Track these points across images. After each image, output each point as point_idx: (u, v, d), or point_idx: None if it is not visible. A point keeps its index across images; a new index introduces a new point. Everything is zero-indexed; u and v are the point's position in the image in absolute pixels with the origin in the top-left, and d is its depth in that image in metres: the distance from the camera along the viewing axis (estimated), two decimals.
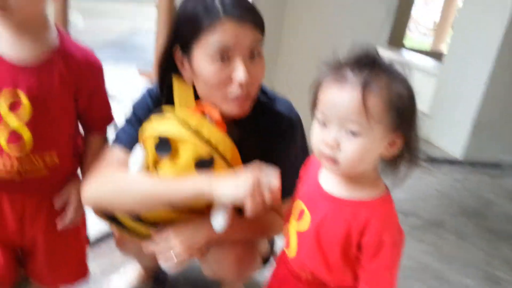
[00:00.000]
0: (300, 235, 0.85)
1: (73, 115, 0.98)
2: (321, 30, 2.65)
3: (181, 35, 0.95)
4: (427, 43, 10.91)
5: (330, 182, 0.83)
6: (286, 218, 0.93)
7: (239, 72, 0.91)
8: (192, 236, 0.99)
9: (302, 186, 0.91)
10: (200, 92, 0.99)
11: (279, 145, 1.07)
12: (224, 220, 0.92)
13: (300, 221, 0.85)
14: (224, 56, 0.90)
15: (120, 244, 1.21)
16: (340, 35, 2.73)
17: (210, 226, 0.93)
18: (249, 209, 0.85)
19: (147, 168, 0.95)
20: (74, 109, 0.97)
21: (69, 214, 1.01)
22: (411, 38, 10.10)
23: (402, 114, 0.72)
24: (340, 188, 0.81)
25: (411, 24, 10.46)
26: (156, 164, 0.95)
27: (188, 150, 0.91)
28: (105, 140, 1.07)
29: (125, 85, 3.86)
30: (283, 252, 0.93)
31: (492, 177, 2.86)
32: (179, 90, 1.00)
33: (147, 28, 6.70)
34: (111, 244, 1.53)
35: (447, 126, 3.52)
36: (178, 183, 0.91)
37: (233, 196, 0.85)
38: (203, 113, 0.95)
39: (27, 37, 0.87)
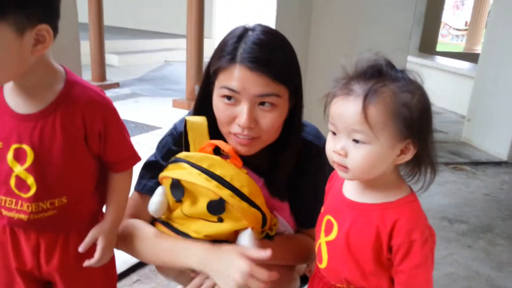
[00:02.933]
0: (329, 244, 0.86)
1: (87, 158, 0.94)
2: (349, 43, 2.66)
3: (212, 65, 1.00)
4: (461, 45, 10.63)
5: (353, 190, 0.85)
6: (316, 235, 0.94)
7: (241, 116, 0.95)
8: (226, 272, 0.96)
9: (328, 200, 0.93)
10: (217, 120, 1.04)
11: (308, 172, 1.10)
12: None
13: (328, 233, 0.86)
14: (232, 97, 0.95)
15: (160, 268, 1.25)
16: (369, 46, 2.73)
17: (247, 260, 0.94)
18: None
19: (167, 209, 1.02)
20: (88, 152, 0.93)
21: (97, 256, 0.97)
22: (444, 43, 9.88)
23: (410, 122, 0.73)
24: (363, 195, 0.82)
25: (443, 28, 10.24)
26: (174, 206, 1.01)
27: (201, 194, 0.95)
28: (129, 177, 1.02)
29: (162, 117, 4.02)
30: (317, 268, 0.93)
31: None
32: (193, 129, 1.02)
33: (178, 60, 6.96)
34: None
35: (489, 127, 3.40)
36: (176, 252, 1.00)
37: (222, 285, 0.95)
38: (216, 150, 0.99)
39: (29, 89, 0.86)
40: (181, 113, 4.06)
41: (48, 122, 0.86)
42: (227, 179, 0.94)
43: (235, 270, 0.93)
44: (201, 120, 1.03)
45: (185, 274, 1.11)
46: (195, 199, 0.97)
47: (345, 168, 0.77)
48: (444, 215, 2.28)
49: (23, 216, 0.90)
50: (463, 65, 5.10)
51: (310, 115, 1.15)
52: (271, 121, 0.98)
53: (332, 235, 0.85)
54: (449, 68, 5.00)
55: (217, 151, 1.02)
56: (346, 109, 0.75)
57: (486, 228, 2.24)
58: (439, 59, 5.63)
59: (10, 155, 0.87)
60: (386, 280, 0.82)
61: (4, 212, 0.91)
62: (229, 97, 0.96)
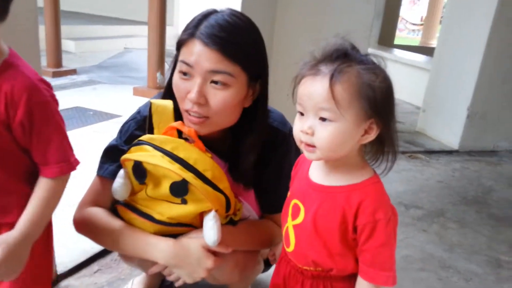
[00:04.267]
0: (296, 228, 0.88)
1: (10, 148, 0.85)
2: (312, 33, 2.70)
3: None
4: (416, 39, 11.00)
5: (319, 174, 0.87)
6: (282, 219, 0.95)
7: (192, 92, 0.96)
8: (192, 269, 1.02)
9: (294, 185, 0.94)
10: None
11: (274, 158, 1.11)
12: (217, 233, 0.95)
13: (295, 217, 0.88)
14: (187, 72, 0.97)
15: (124, 257, 1.23)
16: (332, 35, 2.78)
17: (209, 254, 1.00)
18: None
19: (129, 191, 1.01)
20: (11, 141, 0.84)
21: None
22: (401, 37, 10.19)
23: (373, 102, 0.76)
24: (329, 177, 0.85)
25: (400, 22, 10.54)
26: (137, 188, 1.00)
27: (164, 175, 0.95)
28: (53, 187, 0.88)
29: (122, 105, 3.90)
30: (284, 251, 0.95)
31: (489, 164, 2.89)
32: (157, 112, 1.03)
33: (138, 47, 6.78)
34: (116, 256, 1.56)
35: (442, 118, 3.56)
36: (142, 247, 1.02)
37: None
38: (180, 134, 0.99)
39: None
40: (142, 101, 3.98)
41: None
42: (191, 162, 0.95)
43: (202, 268, 1.01)
44: (167, 103, 1.02)
45: (148, 261, 1.10)
46: (158, 181, 0.97)
47: (312, 147, 0.78)
48: (401, 201, 2.38)
49: None
50: (419, 58, 5.30)
51: (273, 101, 1.16)
52: (221, 100, 0.97)
53: (299, 219, 0.87)
54: (406, 60, 5.17)
55: (181, 135, 1.01)
56: (314, 88, 0.77)
57: (439, 213, 2.35)
58: (397, 52, 5.82)
59: None
60: (352, 259, 0.85)
61: None
62: (185, 73, 0.97)
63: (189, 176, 0.93)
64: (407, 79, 4.66)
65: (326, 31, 2.69)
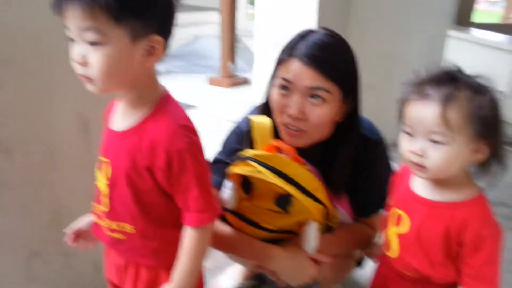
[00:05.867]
0: (401, 237, 0.95)
1: (152, 191, 0.85)
2: (387, 19, 2.68)
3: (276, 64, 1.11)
4: (497, 13, 10.18)
5: (423, 188, 0.92)
6: (383, 225, 1.02)
7: (291, 107, 1.05)
8: (297, 276, 1.15)
9: (396, 195, 1.00)
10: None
11: (364, 164, 1.18)
12: (315, 242, 1.06)
13: (399, 226, 0.95)
14: (287, 87, 1.06)
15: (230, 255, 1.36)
16: (406, 22, 2.73)
17: (312, 263, 1.11)
18: None
19: (238, 201, 1.11)
20: (154, 188, 0.85)
21: None
22: (479, 10, 9.46)
23: (484, 124, 0.80)
24: (435, 192, 0.90)
25: None
26: (243, 200, 1.10)
27: (268, 189, 1.05)
28: (197, 236, 0.86)
29: (198, 95, 4.08)
30: (384, 254, 1.03)
31: None
32: (257, 129, 1.10)
33: (207, 34, 6.96)
34: None
35: None
36: (254, 252, 1.13)
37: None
38: (279, 150, 1.06)
39: (128, 108, 0.85)
40: (217, 91, 4.16)
41: (124, 145, 0.83)
42: (292, 176, 1.03)
43: (306, 274, 1.13)
44: (265, 120, 1.10)
45: (249, 262, 1.24)
46: (264, 194, 1.07)
47: (422, 167, 0.84)
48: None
49: (103, 228, 0.92)
50: (501, 38, 4.95)
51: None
52: (319, 114, 1.06)
53: (404, 229, 0.93)
54: (487, 41, 4.86)
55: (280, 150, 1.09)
56: (425, 113, 0.82)
57: None
58: (475, 32, 5.46)
59: (98, 168, 0.90)
60: (453, 270, 0.90)
61: (94, 218, 0.95)
62: (284, 87, 1.06)
63: (292, 190, 1.02)
64: (488, 62, 4.39)
65: (401, 19, 2.65)
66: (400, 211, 0.95)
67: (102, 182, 0.88)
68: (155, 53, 0.77)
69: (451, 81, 0.82)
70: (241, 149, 1.13)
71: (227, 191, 1.12)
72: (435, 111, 0.80)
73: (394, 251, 0.96)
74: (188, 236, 0.86)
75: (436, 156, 0.82)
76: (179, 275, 0.87)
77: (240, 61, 4.74)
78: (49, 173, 1.21)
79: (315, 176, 1.07)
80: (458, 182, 0.88)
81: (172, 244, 0.88)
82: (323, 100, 1.05)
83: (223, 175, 1.14)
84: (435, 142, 0.82)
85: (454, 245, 0.87)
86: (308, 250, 1.08)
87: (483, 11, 10.65)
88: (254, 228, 1.12)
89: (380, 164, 1.20)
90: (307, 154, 1.12)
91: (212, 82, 4.39)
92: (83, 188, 1.26)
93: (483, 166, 0.87)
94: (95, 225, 0.96)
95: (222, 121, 3.59)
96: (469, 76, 0.84)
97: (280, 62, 1.09)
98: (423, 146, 0.83)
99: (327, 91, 1.04)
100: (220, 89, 4.29)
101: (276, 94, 1.09)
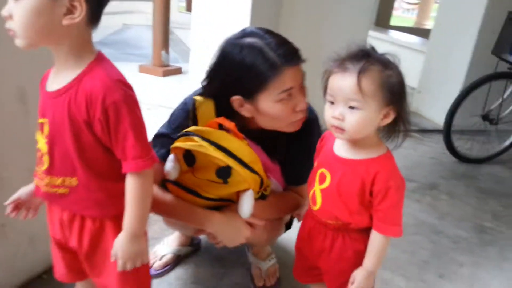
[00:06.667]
0: (323, 191, 1.08)
1: (93, 145, 0.89)
2: (312, 17, 2.87)
3: (243, 88, 1.14)
4: (411, 19, 11.04)
5: (342, 149, 1.06)
6: (309, 184, 1.16)
7: (301, 103, 1.15)
8: (234, 238, 1.26)
9: (320, 157, 1.14)
10: (263, 123, 1.21)
11: (299, 141, 1.30)
12: (249, 207, 1.17)
13: (323, 183, 1.09)
14: (287, 95, 1.13)
15: (168, 222, 1.45)
16: (330, 21, 2.96)
17: (247, 226, 1.22)
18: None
19: (179, 173, 1.18)
20: (94, 140, 0.89)
21: (119, 266, 0.95)
22: (396, 16, 10.23)
23: (392, 92, 0.96)
24: (351, 153, 1.04)
25: (395, 1, 10.55)
26: (186, 171, 1.18)
27: (210, 161, 1.12)
28: (138, 180, 0.91)
29: (129, 81, 4.03)
30: (310, 210, 1.16)
31: (479, 142, 3.12)
32: (201, 109, 1.20)
33: (137, 23, 6.83)
34: (150, 219, 1.77)
35: (436, 98, 3.75)
36: (194, 216, 1.20)
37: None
38: (220, 126, 1.15)
39: (62, 68, 0.88)
40: (148, 78, 4.19)
41: (61, 103, 0.87)
42: (232, 150, 1.12)
43: (241, 236, 1.24)
44: (208, 101, 1.19)
45: (189, 227, 1.33)
46: (205, 166, 1.15)
47: (342, 130, 0.98)
48: None
49: (42, 187, 0.95)
50: (415, 40, 5.47)
51: None
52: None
53: (325, 184, 1.06)
54: (403, 42, 5.34)
55: (221, 127, 1.18)
56: (344, 83, 0.95)
57: (431, 186, 2.60)
58: (394, 34, 5.97)
59: (38, 130, 0.93)
60: (367, 217, 1.05)
61: (35, 181, 0.99)
62: (286, 97, 1.13)
63: (231, 162, 1.11)
64: (403, 60, 4.81)
65: (326, 18, 2.86)
66: (323, 170, 1.08)
67: (41, 142, 0.92)
68: (74, 12, 0.80)
69: (365, 57, 0.97)
70: (186, 125, 1.20)
71: (170, 163, 1.18)
72: (352, 82, 0.94)
73: (318, 204, 1.10)
74: (130, 183, 0.90)
75: (353, 120, 0.96)
76: (128, 222, 0.92)
77: (172, 52, 4.74)
78: None
79: (252, 150, 1.17)
80: (370, 142, 1.03)
81: (116, 196, 0.93)
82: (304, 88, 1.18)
83: (167, 149, 1.20)
84: (352, 108, 0.96)
85: (367, 195, 1.02)
86: (243, 216, 1.18)
87: (399, 17, 11.48)
88: (194, 196, 1.20)
89: (312, 139, 1.30)
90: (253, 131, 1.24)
91: (143, 70, 4.33)
92: (22, 158, 1.26)
93: (390, 128, 1.03)
94: (36, 188, 0.99)
95: (154, 108, 3.59)
96: (380, 54, 1.00)
97: (266, 83, 1.13)
98: (342, 112, 0.97)
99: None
100: (152, 77, 4.26)
101: (280, 106, 1.16)
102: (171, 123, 1.29)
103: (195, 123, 1.22)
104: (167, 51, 4.40)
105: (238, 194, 1.19)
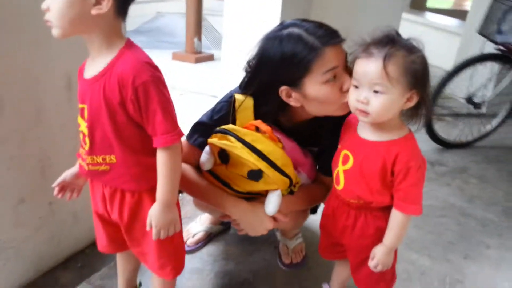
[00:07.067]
0: (346, 172, 1.14)
1: (128, 125, 0.97)
2: (350, 4, 2.87)
3: (287, 77, 1.15)
4: (449, 1, 10.63)
5: (366, 132, 1.11)
6: (332, 165, 1.21)
7: (347, 82, 1.12)
8: (256, 228, 1.30)
9: (344, 139, 1.19)
10: (314, 110, 1.21)
11: (332, 133, 1.30)
12: (275, 207, 1.21)
13: (346, 164, 1.14)
14: (333, 75, 1.12)
15: (197, 204, 1.52)
16: (363, 5, 2.94)
17: (270, 219, 1.27)
18: None
19: (213, 165, 1.24)
20: (129, 122, 0.97)
21: (153, 235, 1.04)
22: None
23: (415, 77, 0.98)
24: (374, 135, 1.09)
25: None
26: (219, 165, 1.23)
27: (242, 163, 1.17)
28: (169, 155, 0.99)
29: (162, 69, 4.15)
30: (334, 189, 1.22)
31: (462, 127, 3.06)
32: (240, 107, 1.23)
33: (170, 11, 6.93)
34: (183, 200, 1.88)
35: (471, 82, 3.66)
36: (223, 201, 1.26)
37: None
38: (257, 129, 1.18)
39: (96, 56, 0.97)
40: (181, 65, 4.29)
41: (97, 87, 0.95)
42: (265, 153, 1.15)
43: (263, 227, 1.28)
44: (248, 100, 1.23)
45: (217, 211, 1.40)
46: (238, 165, 1.20)
47: (366, 113, 1.01)
48: (427, 159, 2.59)
49: (85, 166, 1.05)
50: (452, 22, 5.31)
51: None
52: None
53: (349, 165, 1.12)
54: (438, 25, 5.20)
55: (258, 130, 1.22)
56: (369, 67, 0.98)
57: (461, 170, 2.58)
58: (429, 16, 5.81)
59: (79, 114, 1.02)
60: (388, 196, 1.10)
61: (79, 161, 1.09)
62: (332, 78, 1.12)
63: (263, 166, 1.14)
64: (439, 43, 4.72)
65: (361, 6, 2.84)
66: (346, 151, 1.14)
67: (83, 125, 1.01)
68: (102, 3, 0.88)
69: (390, 42, 1.00)
70: (228, 118, 1.25)
71: (205, 155, 1.25)
72: (377, 67, 0.97)
73: (341, 183, 1.15)
74: (160, 157, 0.98)
75: (377, 104, 1.00)
76: (160, 193, 1.00)
77: (204, 39, 4.82)
78: (35, 127, 1.31)
79: (285, 154, 1.20)
80: (393, 125, 1.06)
81: (150, 169, 1.01)
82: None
83: (206, 138, 1.23)
84: (376, 92, 0.99)
85: (389, 175, 1.06)
86: (268, 213, 1.23)
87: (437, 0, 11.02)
88: (225, 187, 1.26)
89: (340, 127, 1.30)
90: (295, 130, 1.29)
91: (176, 57, 4.44)
92: (66, 141, 1.38)
93: (413, 112, 1.06)
94: (81, 168, 1.10)
95: (186, 93, 3.69)
96: (404, 39, 1.02)
97: (310, 65, 1.12)
98: (367, 96, 1.00)
99: None
100: (185, 64, 4.37)
101: (327, 88, 1.15)
102: (214, 114, 1.30)
103: (233, 121, 1.25)
104: (199, 38, 4.48)
105: (267, 190, 1.25)
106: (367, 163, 1.09)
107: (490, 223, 2.04)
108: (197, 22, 4.40)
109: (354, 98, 1.03)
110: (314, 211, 1.57)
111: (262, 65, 1.18)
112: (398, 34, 1.02)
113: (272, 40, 1.15)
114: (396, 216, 1.09)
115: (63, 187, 1.15)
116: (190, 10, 4.38)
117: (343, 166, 1.14)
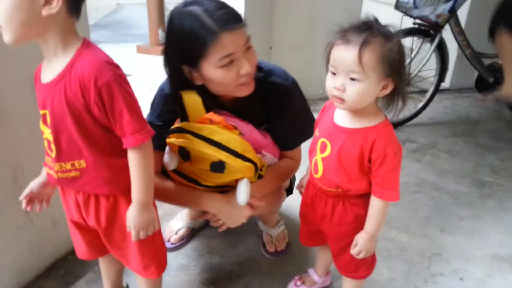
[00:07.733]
0: (324, 160, 1.15)
1: (95, 128, 0.95)
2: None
3: (186, 56, 1.15)
4: None
5: (342, 119, 1.12)
6: (310, 153, 1.22)
7: (245, 67, 1.14)
8: (235, 218, 1.32)
9: (321, 127, 1.20)
10: (214, 89, 1.22)
11: (278, 108, 1.34)
12: (246, 196, 1.21)
13: (324, 152, 1.15)
14: (229, 61, 1.12)
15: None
16: None
17: (250, 208, 1.29)
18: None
19: (179, 163, 1.22)
20: (95, 124, 0.95)
21: (133, 236, 1.03)
22: None
23: (392, 65, 0.99)
24: (351, 122, 1.10)
25: None
26: (184, 164, 1.22)
27: (204, 157, 1.17)
28: (140, 155, 0.97)
29: (128, 63, 4.04)
30: (311, 177, 1.23)
31: (477, 100, 3.17)
32: (189, 104, 1.20)
33: (130, 2, 6.74)
34: None
35: None
36: (198, 200, 1.27)
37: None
38: (211, 121, 1.17)
39: (51, 60, 0.93)
40: (146, 59, 4.20)
41: (58, 91, 0.91)
42: (223, 143, 1.15)
43: (242, 216, 1.30)
44: (195, 95, 1.22)
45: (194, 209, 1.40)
46: (200, 160, 1.20)
47: (342, 100, 1.02)
48: (397, 137, 2.69)
49: (53, 174, 1.02)
50: None
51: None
52: (255, 57, 1.20)
53: (326, 153, 1.13)
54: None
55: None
56: (346, 55, 0.97)
57: (431, 145, 2.66)
58: None
59: (41, 121, 0.99)
60: (366, 182, 1.12)
61: (47, 170, 1.06)
62: (228, 63, 1.12)
63: (224, 156, 1.15)
64: (387, 18, 4.76)
65: None
66: (324, 139, 1.14)
67: (47, 132, 0.97)
68: (52, 3, 0.85)
69: (368, 29, 0.99)
70: (168, 110, 1.25)
71: (167, 155, 1.24)
72: (354, 55, 0.97)
73: (319, 172, 1.16)
74: (132, 157, 0.97)
75: (353, 91, 1.00)
76: (136, 193, 0.99)
77: None
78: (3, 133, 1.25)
79: (244, 139, 1.20)
80: (369, 112, 1.07)
81: (122, 170, 0.99)
82: (251, 45, 1.18)
83: (160, 137, 1.19)
84: (353, 79, 0.99)
85: (366, 162, 1.08)
86: (241, 203, 1.23)
87: None
88: (194, 185, 1.26)
89: (294, 104, 1.36)
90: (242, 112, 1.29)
91: (140, 50, 4.33)
92: (37, 148, 1.33)
93: (389, 98, 1.07)
94: (49, 176, 1.06)
95: (155, 88, 3.62)
96: (382, 25, 1.02)
97: (205, 49, 1.12)
98: (343, 83, 1.00)
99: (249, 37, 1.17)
100: (151, 57, 4.28)
101: (222, 72, 1.16)
102: (153, 111, 1.32)
103: (185, 117, 1.23)
104: (164, 29, 4.38)
105: (237, 180, 1.24)
106: (345, 150, 1.10)
107: (461, 195, 2.13)
108: (159, 12, 4.29)
109: (331, 85, 1.03)
110: (290, 191, 1.59)
111: (168, 38, 1.18)
112: (376, 21, 1.02)
113: (175, 15, 1.14)
114: (375, 203, 1.11)
115: (31, 199, 1.11)
116: (151, 1, 4.27)
117: (321, 154, 1.16)
